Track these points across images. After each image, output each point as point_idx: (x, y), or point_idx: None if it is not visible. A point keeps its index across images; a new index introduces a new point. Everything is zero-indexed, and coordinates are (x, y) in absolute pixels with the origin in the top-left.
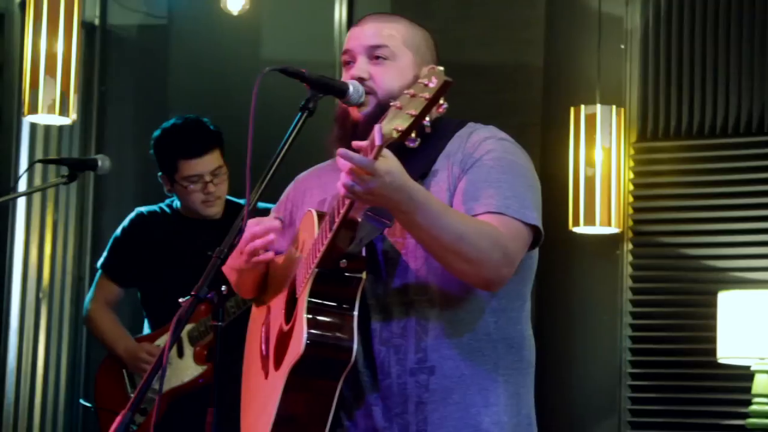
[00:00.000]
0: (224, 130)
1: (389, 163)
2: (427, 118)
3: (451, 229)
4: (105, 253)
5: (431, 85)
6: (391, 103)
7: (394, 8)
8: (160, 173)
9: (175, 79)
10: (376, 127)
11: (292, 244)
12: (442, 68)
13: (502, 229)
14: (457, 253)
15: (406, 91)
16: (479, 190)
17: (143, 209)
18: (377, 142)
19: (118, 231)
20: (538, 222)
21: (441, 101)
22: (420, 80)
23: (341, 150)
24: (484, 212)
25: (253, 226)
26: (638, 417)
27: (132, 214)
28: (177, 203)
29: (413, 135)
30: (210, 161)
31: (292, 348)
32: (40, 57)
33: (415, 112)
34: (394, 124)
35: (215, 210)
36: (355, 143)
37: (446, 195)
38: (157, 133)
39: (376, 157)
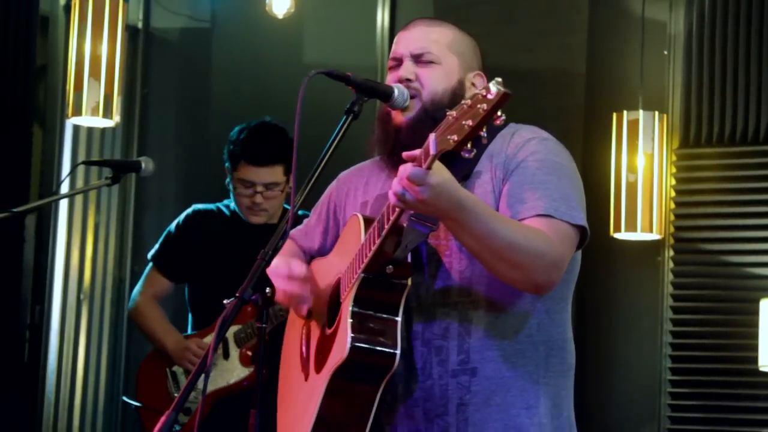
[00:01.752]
0: None
1: (441, 173)
2: (484, 130)
3: (501, 235)
4: (157, 246)
5: (490, 96)
6: (447, 113)
7: (437, 13)
8: (226, 161)
9: (218, 83)
10: (431, 136)
11: (335, 248)
12: (500, 80)
13: (551, 232)
14: (506, 260)
15: (462, 101)
16: (526, 192)
17: (200, 206)
18: (432, 151)
19: (172, 225)
20: (584, 222)
21: (499, 113)
22: (478, 91)
23: (405, 155)
24: (532, 215)
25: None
26: (678, 424)
27: (188, 210)
28: (233, 205)
29: (469, 146)
30: (267, 174)
31: (335, 352)
32: (85, 59)
33: (472, 123)
34: (449, 133)
35: (259, 220)
36: (407, 153)
37: (491, 197)
38: (240, 125)
39: (429, 166)
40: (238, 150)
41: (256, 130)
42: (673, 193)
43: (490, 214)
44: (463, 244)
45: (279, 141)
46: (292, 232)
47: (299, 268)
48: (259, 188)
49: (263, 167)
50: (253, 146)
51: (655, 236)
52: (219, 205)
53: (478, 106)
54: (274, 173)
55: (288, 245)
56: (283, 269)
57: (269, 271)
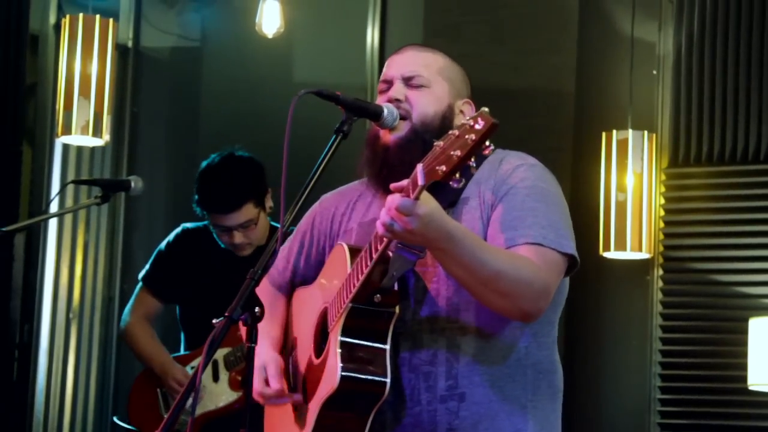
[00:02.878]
0: (256, 152)
1: (429, 203)
2: (473, 159)
3: (489, 265)
4: (147, 266)
5: (477, 126)
6: (435, 143)
7: (427, 33)
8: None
9: (208, 102)
10: (419, 166)
11: (319, 276)
12: (487, 109)
13: (539, 261)
14: (494, 289)
15: (450, 132)
16: (515, 220)
17: (189, 225)
18: (420, 182)
19: (163, 245)
20: (573, 251)
21: (487, 143)
22: (465, 121)
23: (393, 187)
24: (522, 243)
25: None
26: None
27: (178, 229)
28: None
29: (458, 176)
30: (238, 217)
31: (325, 382)
32: (74, 78)
33: (460, 153)
34: (437, 164)
35: (245, 253)
36: (394, 185)
37: (479, 224)
38: (203, 164)
39: (417, 197)
40: (201, 200)
41: (215, 175)
42: (662, 212)
43: (478, 243)
44: (450, 274)
45: (240, 181)
46: (269, 272)
47: (275, 383)
48: (235, 228)
49: (232, 213)
50: (214, 196)
51: (644, 255)
52: (207, 222)
53: (466, 136)
54: (244, 214)
55: (264, 287)
56: (258, 385)
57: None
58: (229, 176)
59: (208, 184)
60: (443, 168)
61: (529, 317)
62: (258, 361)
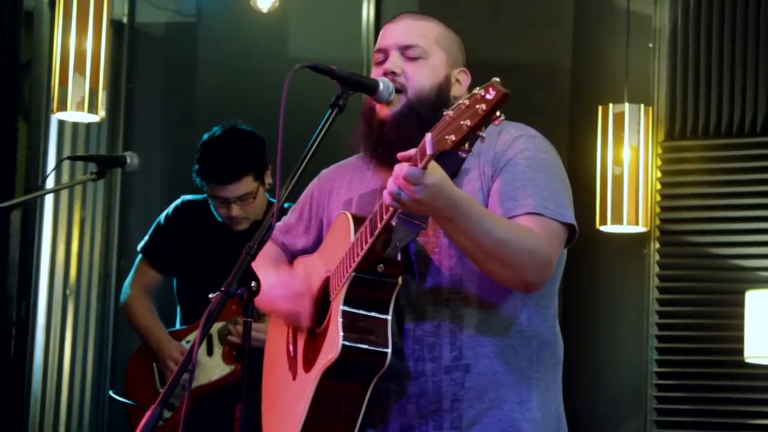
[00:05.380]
0: (252, 127)
1: (437, 174)
2: (483, 129)
3: (493, 234)
4: (146, 238)
5: (489, 96)
6: (444, 112)
7: (422, 7)
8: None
9: (203, 77)
10: (428, 135)
11: (321, 246)
12: (498, 80)
13: (541, 231)
14: (498, 259)
15: (460, 101)
16: (516, 190)
17: (189, 197)
18: (429, 151)
19: (162, 217)
20: (573, 221)
21: (498, 113)
22: (477, 91)
23: (400, 156)
24: (522, 213)
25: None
26: (665, 416)
27: (177, 201)
28: None
29: (466, 146)
30: (237, 189)
31: (326, 351)
32: (69, 55)
33: (471, 123)
34: (447, 133)
35: (242, 227)
36: (402, 154)
37: (480, 195)
38: (203, 138)
39: (425, 166)
40: (202, 170)
41: (217, 145)
42: (658, 186)
43: (483, 213)
44: (455, 243)
45: (242, 152)
46: (273, 237)
47: (299, 285)
48: (233, 200)
49: (231, 184)
50: (216, 166)
51: (640, 229)
52: (207, 196)
53: (477, 106)
54: (244, 185)
55: (269, 246)
56: (288, 288)
57: (264, 289)
58: (231, 148)
59: (210, 154)
60: (452, 137)
61: (532, 287)
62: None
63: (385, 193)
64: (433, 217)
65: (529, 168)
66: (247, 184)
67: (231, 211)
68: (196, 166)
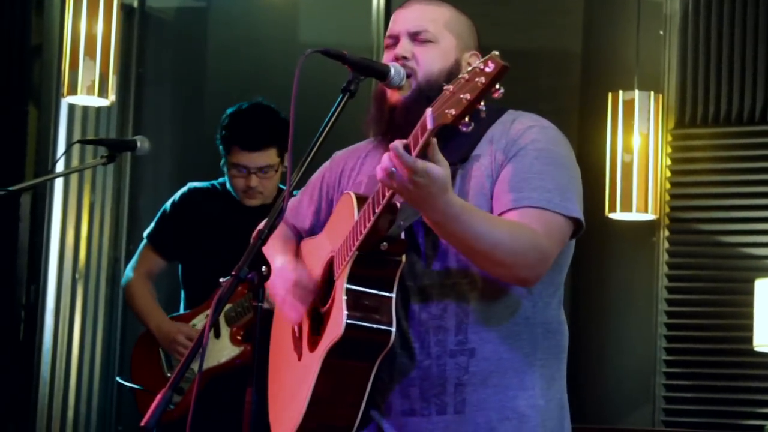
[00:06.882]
0: None
1: (435, 168)
2: (482, 103)
3: (486, 238)
4: (152, 224)
5: (488, 69)
6: (444, 87)
7: None
8: (219, 144)
9: (213, 62)
10: (428, 110)
11: (326, 226)
12: (497, 53)
13: (540, 226)
14: (491, 260)
15: (460, 75)
16: (522, 182)
17: (196, 184)
18: (429, 125)
19: (168, 203)
20: (579, 214)
21: (497, 86)
22: (476, 64)
23: (394, 144)
24: (524, 206)
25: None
26: (673, 404)
27: (184, 188)
28: (229, 183)
29: (467, 119)
30: (260, 158)
31: (330, 330)
32: (80, 39)
33: (470, 96)
34: (447, 107)
35: (254, 202)
36: (401, 142)
37: (487, 181)
38: (230, 109)
39: (427, 141)
40: (229, 135)
41: (247, 113)
42: (668, 173)
43: (475, 217)
44: (447, 241)
45: (270, 123)
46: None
47: (306, 278)
48: (253, 170)
49: (256, 152)
50: (244, 131)
51: (650, 216)
52: (214, 183)
53: (476, 79)
54: (268, 156)
55: (279, 227)
56: (290, 275)
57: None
58: (261, 117)
59: (240, 120)
60: (453, 111)
61: (527, 283)
62: (289, 275)
63: (379, 168)
64: (424, 215)
65: (538, 160)
66: (271, 155)
67: (250, 181)
68: (223, 132)
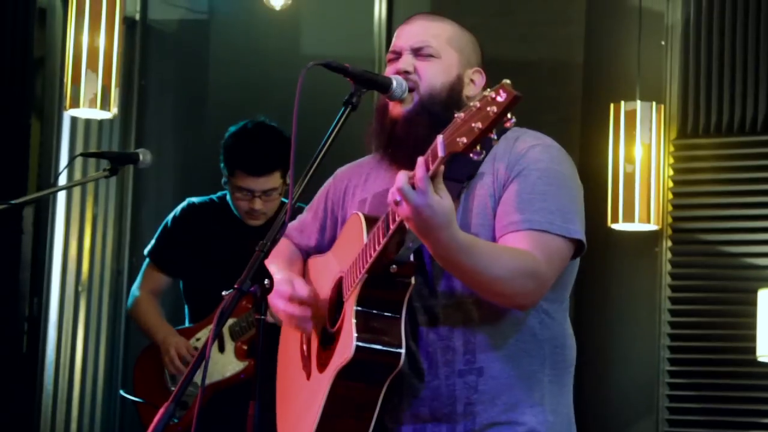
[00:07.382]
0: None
1: (442, 201)
2: (494, 132)
3: (487, 272)
4: (153, 241)
5: (500, 99)
6: (455, 114)
7: (434, 4)
8: (222, 164)
9: (215, 74)
10: (439, 138)
11: (334, 246)
12: (509, 82)
13: (540, 252)
14: (491, 291)
15: (471, 103)
16: (525, 203)
17: (195, 199)
18: (440, 153)
19: (168, 219)
20: (581, 236)
21: (509, 116)
22: (487, 93)
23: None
24: (526, 228)
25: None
26: (677, 415)
27: (183, 204)
28: (229, 197)
29: (478, 148)
30: (265, 182)
31: (340, 351)
32: (82, 51)
33: (481, 125)
34: (458, 135)
35: (257, 223)
36: (407, 176)
37: (490, 200)
38: (232, 129)
39: (437, 168)
40: (233, 158)
41: (251, 136)
42: (670, 184)
43: (477, 250)
44: (448, 271)
45: (275, 147)
46: (288, 227)
47: (302, 289)
48: (258, 194)
49: (260, 177)
50: (249, 156)
51: (652, 227)
52: (213, 197)
53: (488, 108)
54: (272, 180)
55: (284, 244)
56: (286, 289)
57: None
58: (266, 140)
59: (244, 144)
60: (464, 140)
61: (523, 308)
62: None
63: (390, 194)
64: (426, 241)
65: (541, 180)
66: (275, 179)
67: (254, 204)
68: (227, 155)
